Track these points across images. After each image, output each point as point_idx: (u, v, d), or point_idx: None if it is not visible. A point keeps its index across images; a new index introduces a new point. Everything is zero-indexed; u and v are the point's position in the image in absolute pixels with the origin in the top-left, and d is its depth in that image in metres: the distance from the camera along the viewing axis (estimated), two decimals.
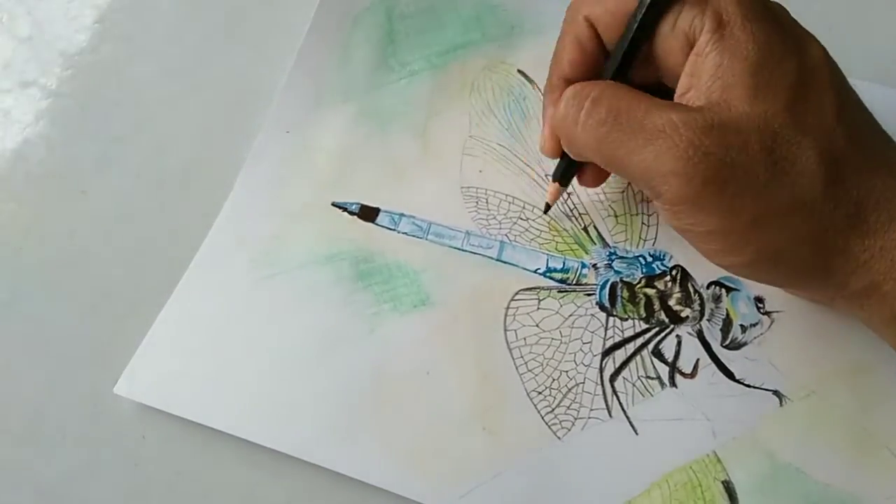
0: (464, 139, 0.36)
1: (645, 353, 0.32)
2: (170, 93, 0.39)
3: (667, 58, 0.28)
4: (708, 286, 0.33)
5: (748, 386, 0.31)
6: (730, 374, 0.31)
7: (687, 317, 0.32)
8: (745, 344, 0.32)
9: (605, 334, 0.32)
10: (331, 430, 0.31)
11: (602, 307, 0.33)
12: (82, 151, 0.38)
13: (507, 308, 0.33)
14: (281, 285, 0.34)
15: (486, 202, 0.35)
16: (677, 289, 0.33)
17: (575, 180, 0.33)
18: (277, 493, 0.31)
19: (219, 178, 0.36)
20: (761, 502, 0.29)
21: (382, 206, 0.35)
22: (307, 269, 0.34)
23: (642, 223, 0.34)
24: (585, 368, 0.32)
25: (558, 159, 0.32)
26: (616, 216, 0.35)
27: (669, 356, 0.32)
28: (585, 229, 0.34)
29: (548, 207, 0.34)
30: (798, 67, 0.25)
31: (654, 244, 0.34)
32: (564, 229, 0.34)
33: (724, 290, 0.33)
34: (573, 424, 0.31)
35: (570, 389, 0.31)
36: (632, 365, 0.32)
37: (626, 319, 0.33)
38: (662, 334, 0.32)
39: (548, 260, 0.34)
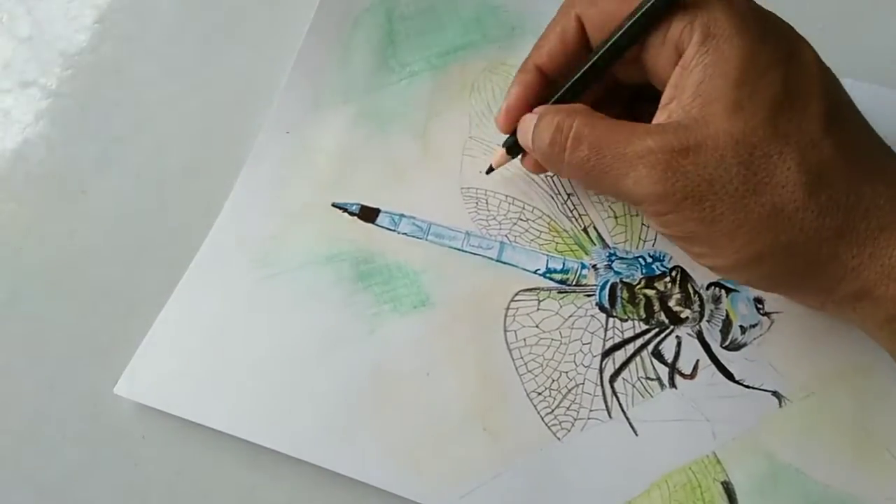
0: (464, 140, 0.36)
1: (645, 354, 0.32)
2: (170, 93, 0.39)
3: (656, 65, 0.28)
4: (708, 287, 0.33)
5: (748, 387, 0.31)
6: (729, 375, 0.31)
7: (687, 318, 0.33)
8: (744, 345, 0.32)
9: (605, 335, 0.32)
10: (331, 430, 0.31)
11: (602, 308, 0.33)
12: (82, 151, 0.38)
13: (507, 309, 0.33)
14: (281, 285, 0.34)
15: (486, 203, 0.35)
16: (677, 290, 0.33)
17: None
18: (277, 493, 0.31)
19: (219, 178, 0.36)
20: (761, 503, 0.29)
21: (382, 206, 0.35)
22: (307, 270, 0.34)
23: (642, 224, 0.34)
24: (585, 369, 0.32)
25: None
26: (616, 217, 0.35)
27: (669, 357, 0.32)
28: (585, 230, 0.35)
29: (490, 169, 0.35)
30: (784, 77, 0.25)
31: (653, 245, 0.34)
32: (564, 230, 0.35)
33: (723, 291, 0.33)
34: (573, 425, 0.31)
35: (569, 390, 0.31)
36: (631, 366, 0.32)
37: (626, 320, 0.33)
38: (662, 335, 0.32)
39: (548, 261, 0.34)
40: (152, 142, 0.38)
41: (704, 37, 0.26)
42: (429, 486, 0.30)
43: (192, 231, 0.35)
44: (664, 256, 0.34)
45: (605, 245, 0.34)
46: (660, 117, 0.27)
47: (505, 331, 0.32)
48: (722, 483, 0.30)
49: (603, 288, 0.33)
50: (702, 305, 0.33)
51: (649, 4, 0.27)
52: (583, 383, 0.31)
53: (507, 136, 0.33)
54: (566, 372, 0.32)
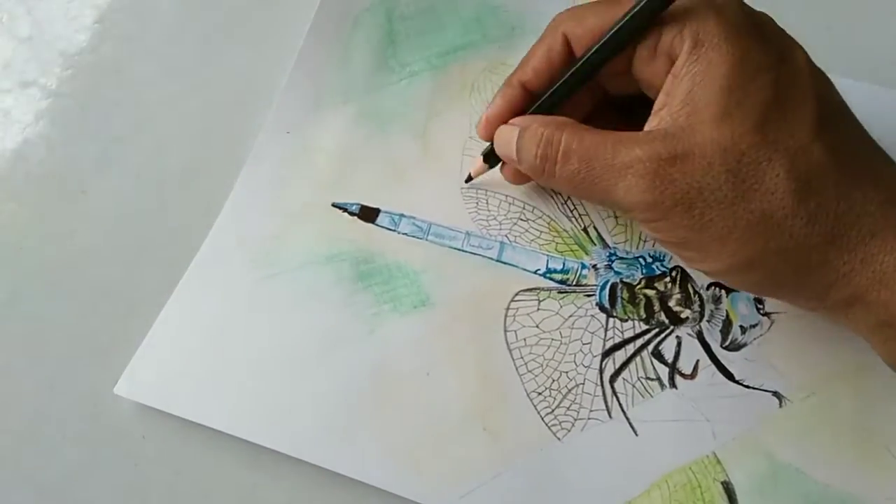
0: (464, 140, 0.36)
1: (645, 354, 0.32)
2: (170, 93, 0.39)
3: (649, 75, 0.28)
4: (708, 287, 0.33)
5: (748, 387, 0.31)
6: (730, 375, 0.31)
7: (687, 318, 0.33)
8: (744, 345, 0.32)
9: (605, 335, 0.32)
10: (331, 430, 0.31)
11: (602, 308, 0.33)
12: (82, 151, 0.38)
13: (507, 309, 0.33)
14: (281, 285, 0.34)
15: (486, 203, 0.35)
16: (677, 290, 0.33)
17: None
18: (277, 493, 0.31)
19: (219, 178, 0.36)
20: (761, 503, 0.29)
21: (382, 206, 0.35)
22: (307, 270, 0.34)
23: None
24: (585, 369, 0.32)
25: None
26: (616, 217, 0.35)
27: (669, 357, 0.32)
28: (585, 230, 0.35)
29: (469, 178, 0.35)
30: (775, 82, 0.25)
31: (653, 245, 0.34)
32: (564, 230, 0.35)
33: (723, 292, 0.33)
34: (573, 425, 0.31)
35: (569, 390, 0.31)
36: (632, 366, 0.32)
37: (626, 320, 0.33)
38: (662, 335, 0.32)
39: (548, 261, 0.34)
40: (152, 142, 0.38)
41: (694, 45, 0.26)
42: (429, 486, 0.30)
43: (192, 231, 0.35)
44: (664, 256, 0.34)
45: (606, 245, 0.34)
46: (651, 123, 0.27)
47: (505, 331, 0.32)
48: (722, 483, 0.30)
49: (603, 288, 0.33)
50: (702, 305, 0.33)
51: (634, 12, 0.27)
52: (583, 383, 0.31)
53: (487, 144, 0.33)
54: (566, 372, 0.32)
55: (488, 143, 0.33)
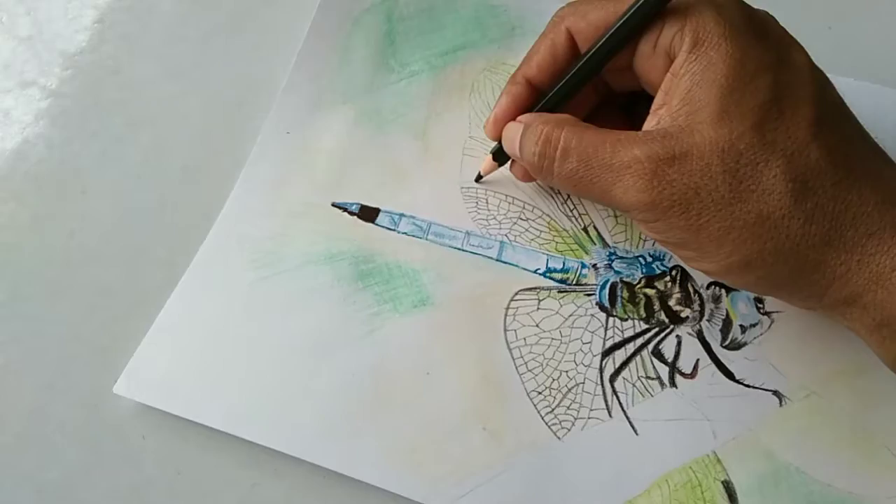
0: (464, 140, 0.36)
1: (645, 353, 0.32)
2: (170, 93, 0.39)
3: (648, 72, 0.28)
4: (708, 286, 0.33)
5: (748, 386, 0.31)
6: (730, 375, 0.31)
7: (687, 317, 0.33)
8: (744, 344, 0.32)
9: (605, 334, 0.32)
10: (330, 429, 0.31)
11: (602, 307, 0.33)
12: (82, 151, 0.38)
13: (507, 308, 0.33)
14: (281, 285, 0.34)
15: (486, 202, 0.35)
16: (677, 289, 0.33)
17: None
18: (277, 493, 0.31)
19: (219, 178, 0.36)
20: (761, 502, 0.29)
21: (382, 206, 0.35)
22: (307, 270, 0.34)
23: None
24: (585, 368, 0.32)
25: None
26: (616, 216, 0.35)
27: (669, 356, 0.32)
28: (585, 229, 0.35)
29: (479, 177, 0.35)
30: (774, 82, 0.25)
31: (653, 244, 0.34)
32: (564, 229, 0.35)
33: (723, 291, 0.33)
34: (573, 424, 0.31)
35: (569, 389, 0.31)
36: (632, 365, 0.32)
37: (626, 320, 0.33)
38: (662, 334, 0.32)
39: (548, 260, 0.34)
40: (152, 142, 0.38)
41: (694, 43, 0.26)
42: (429, 485, 0.30)
43: (192, 231, 0.35)
44: (664, 256, 0.34)
45: (605, 244, 0.34)
46: (650, 122, 0.27)
47: (505, 330, 0.32)
48: (722, 482, 0.30)
49: (603, 287, 0.33)
50: (702, 305, 0.33)
51: (636, 7, 0.27)
52: (583, 382, 0.31)
53: (495, 143, 0.33)
54: (566, 371, 0.32)
55: (495, 143, 0.33)
